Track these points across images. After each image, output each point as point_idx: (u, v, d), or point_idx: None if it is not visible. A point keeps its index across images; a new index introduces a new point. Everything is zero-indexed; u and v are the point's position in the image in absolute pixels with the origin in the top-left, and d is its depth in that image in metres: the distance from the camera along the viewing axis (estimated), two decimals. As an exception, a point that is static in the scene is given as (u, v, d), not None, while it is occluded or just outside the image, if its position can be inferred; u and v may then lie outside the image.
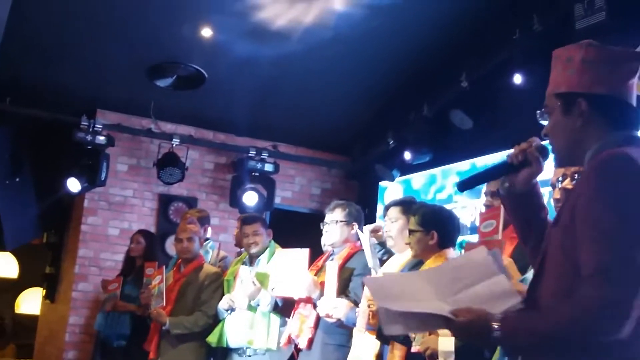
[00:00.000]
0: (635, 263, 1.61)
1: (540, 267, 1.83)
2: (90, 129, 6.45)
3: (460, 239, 3.87)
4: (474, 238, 5.22)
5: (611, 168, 1.70)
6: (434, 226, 3.42)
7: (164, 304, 4.74)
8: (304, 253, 4.10)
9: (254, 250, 4.70)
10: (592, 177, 1.73)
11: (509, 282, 1.84)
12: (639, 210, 1.64)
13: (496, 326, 1.72)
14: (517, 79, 4.99)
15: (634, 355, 1.67)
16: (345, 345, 3.87)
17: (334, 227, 4.15)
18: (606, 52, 1.87)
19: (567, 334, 1.67)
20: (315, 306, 3.97)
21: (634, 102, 1.88)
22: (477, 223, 5.30)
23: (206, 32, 5.79)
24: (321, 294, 3.91)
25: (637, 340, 1.66)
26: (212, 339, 4.64)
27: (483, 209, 3.66)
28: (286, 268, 4.16)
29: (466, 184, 2.01)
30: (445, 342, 2.93)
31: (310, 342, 3.98)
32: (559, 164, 1.96)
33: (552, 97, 1.90)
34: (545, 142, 1.96)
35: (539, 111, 1.95)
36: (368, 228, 3.92)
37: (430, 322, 1.84)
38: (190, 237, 4.90)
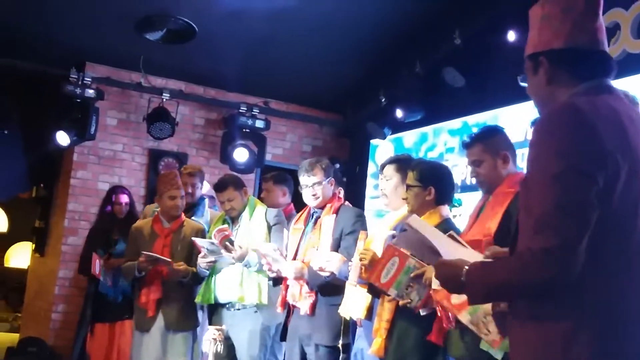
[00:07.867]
0: (574, 210, 1.65)
1: (518, 223, 1.87)
2: (80, 82, 6.36)
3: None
4: (464, 196, 5.24)
5: (551, 120, 1.73)
6: (432, 182, 3.42)
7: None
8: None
9: (233, 214, 4.65)
10: (535, 130, 1.76)
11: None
12: (575, 158, 1.66)
13: (463, 272, 1.81)
14: (511, 36, 4.95)
15: (591, 297, 1.69)
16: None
17: (318, 188, 4.11)
18: (561, 2, 1.86)
19: (517, 282, 1.72)
20: (308, 284, 3.96)
21: (601, 46, 1.85)
22: (468, 182, 5.34)
23: (197, -16, 5.71)
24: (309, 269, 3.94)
25: (592, 280, 1.69)
26: (198, 299, 4.62)
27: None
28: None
29: None
30: None
31: (313, 306, 3.94)
32: None
33: (526, 60, 1.95)
34: None
35: (519, 77, 1.99)
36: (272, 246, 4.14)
37: (430, 254, 2.22)
38: (184, 195, 4.85)
